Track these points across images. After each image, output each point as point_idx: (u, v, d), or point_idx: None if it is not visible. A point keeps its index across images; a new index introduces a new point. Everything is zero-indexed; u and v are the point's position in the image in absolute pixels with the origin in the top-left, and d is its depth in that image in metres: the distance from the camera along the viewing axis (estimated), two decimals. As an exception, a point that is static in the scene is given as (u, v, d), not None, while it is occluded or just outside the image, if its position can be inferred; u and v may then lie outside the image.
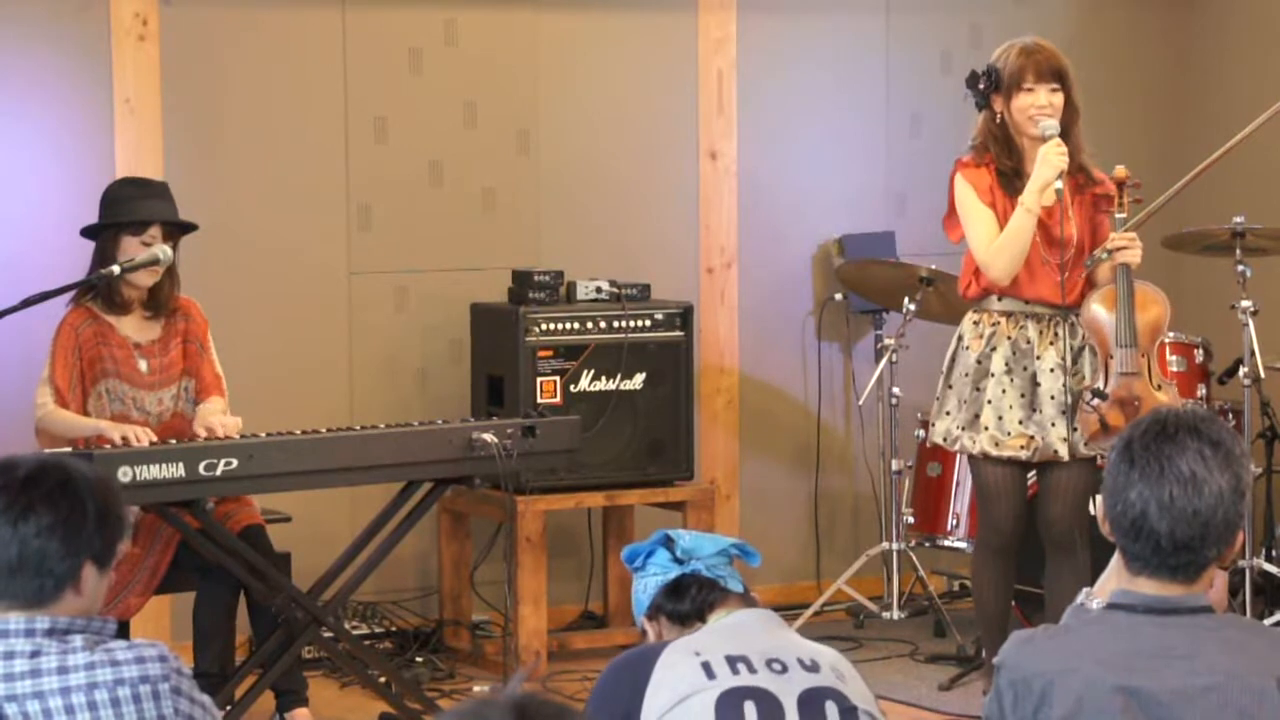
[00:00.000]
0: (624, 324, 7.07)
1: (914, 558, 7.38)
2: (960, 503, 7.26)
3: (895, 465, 7.41)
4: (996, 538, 6.05)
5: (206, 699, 3.20)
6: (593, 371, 7.03)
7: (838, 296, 7.84)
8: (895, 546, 7.38)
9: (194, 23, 6.96)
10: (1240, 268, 6.87)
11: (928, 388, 7.66)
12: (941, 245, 7.84)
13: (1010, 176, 5.93)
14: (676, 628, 3.47)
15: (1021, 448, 5.93)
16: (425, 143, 7.32)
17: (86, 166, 6.82)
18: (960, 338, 6.06)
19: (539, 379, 6.95)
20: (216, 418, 5.89)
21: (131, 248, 5.87)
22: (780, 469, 7.83)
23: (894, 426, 7.44)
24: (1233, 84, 8.25)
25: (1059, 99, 5.90)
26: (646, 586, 3.51)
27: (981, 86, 5.96)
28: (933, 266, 7.24)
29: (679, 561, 3.49)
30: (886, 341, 7.37)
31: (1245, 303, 6.84)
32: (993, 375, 5.96)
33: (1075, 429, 5.94)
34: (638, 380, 7.09)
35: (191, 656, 5.87)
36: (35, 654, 3.07)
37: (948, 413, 6.06)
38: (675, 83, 7.67)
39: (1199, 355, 7.15)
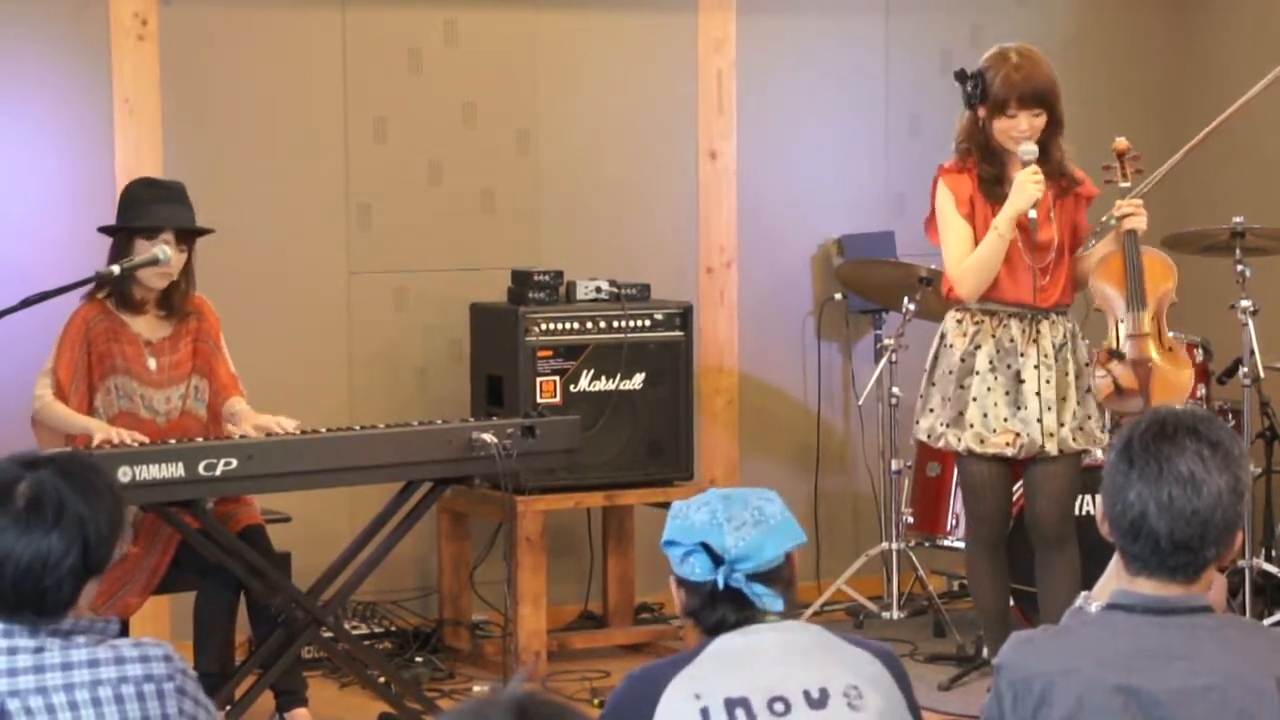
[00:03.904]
0: (624, 324, 7.07)
1: (913, 558, 7.38)
2: (959, 503, 7.25)
3: (895, 465, 7.41)
4: (986, 531, 6.10)
5: (209, 701, 3.21)
6: (592, 371, 7.03)
7: (837, 296, 7.84)
8: (895, 546, 7.39)
9: (193, 22, 6.96)
10: (1240, 268, 6.88)
11: (927, 388, 7.68)
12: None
13: (991, 183, 5.96)
14: (700, 631, 3.36)
15: (1007, 445, 5.96)
16: (425, 143, 7.33)
17: (86, 166, 6.82)
18: (943, 336, 6.10)
19: (538, 379, 6.95)
20: (266, 418, 5.87)
21: (144, 251, 5.85)
22: (780, 469, 7.82)
23: (893, 426, 7.44)
24: (1233, 84, 8.23)
25: (1041, 121, 5.91)
26: (683, 570, 3.27)
27: (969, 89, 5.96)
28: (932, 266, 7.23)
29: (719, 563, 3.25)
30: (886, 341, 7.37)
31: (1245, 303, 6.84)
32: (977, 373, 5.99)
33: (1063, 424, 5.96)
34: (637, 380, 7.09)
35: (192, 656, 5.87)
36: (39, 650, 3.08)
37: (931, 410, 6.10)
38: (675, 83, 7.66)
39: (1199, 355, 7.15)
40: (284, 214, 7.13)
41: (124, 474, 5.39)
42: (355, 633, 6.79)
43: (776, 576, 3.31)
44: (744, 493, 3.36)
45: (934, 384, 6.10)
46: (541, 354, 6.96)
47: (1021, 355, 5.96)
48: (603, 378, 7.04)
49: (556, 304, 7.03)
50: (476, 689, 6.71)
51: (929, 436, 6.12)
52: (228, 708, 5.78)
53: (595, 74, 7.59)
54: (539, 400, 6.89)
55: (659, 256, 7.61)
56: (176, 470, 5.53)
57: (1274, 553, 7.27)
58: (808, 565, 7.57)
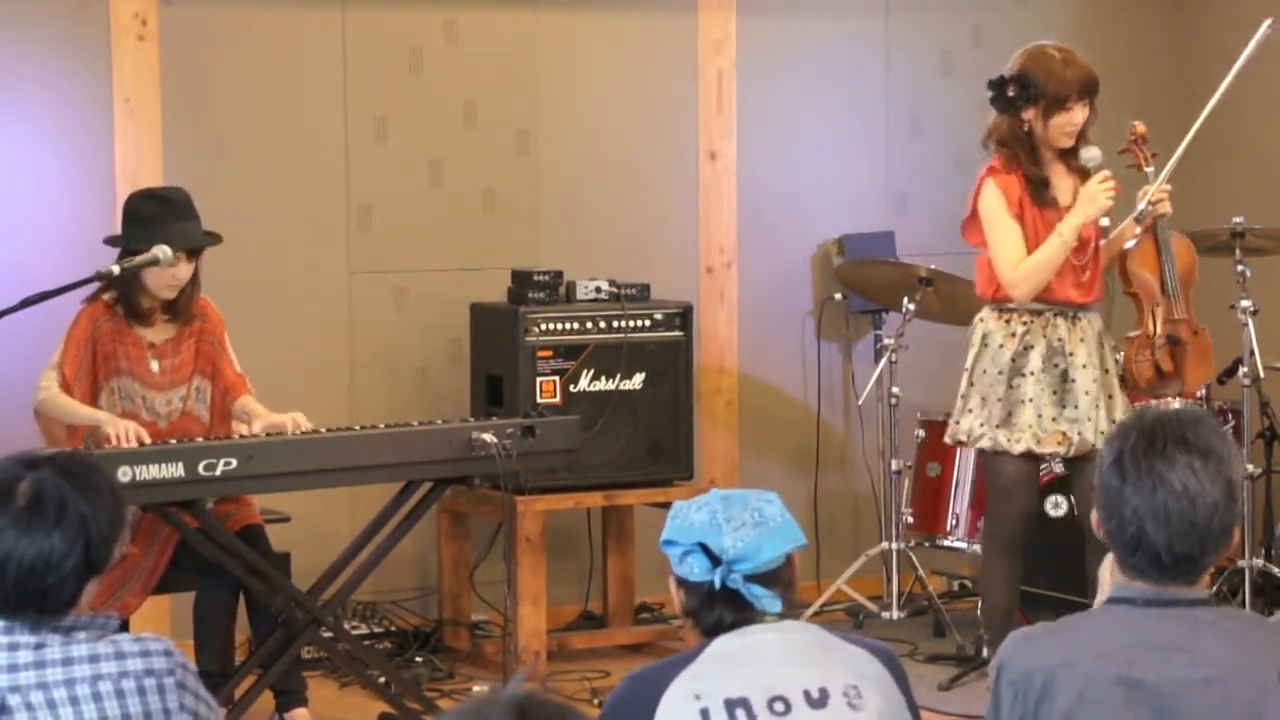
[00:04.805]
0: (623, 324, 7.07)
1: (913, 558, 7.38)
2: (960, 503, 7.26)
3: (895, 465, 7.41)
4: (1008, 532, 6.07)
5: (210, 696, 3.22)
6: (592, 371, 7.03)
7: (837, 296, 7.84)
8: (895, 546, 7.39)
9: (194, 23, 6.96)
10: (1240, 268, 6.88)
11: (927, 388, 7.68)
12: (941, 245, 7.85)
13: (1039, 185, 5.94)
14: (698, 631, 3.36)
15: (1059, 444, 5.95)
16: (425, 143, 7.33)
17: (86, 166, 6.82)
18: (985, 335, 6.04)
19: (538, 379, 6.95)
20: (279, 417, 5.85)
21: (153, 269, 5.82)
22: (780, 469, 7.82)
23: (893, 426, 7.44)
24: (1231, 84, 8.24)
25: (1088, 112, 5.93)
26: (682, 570, 3.28)
27: (1011, 94, 5.92)
28: (932, 266, 7.24)
29: (717, 563, 3.25)
30: (886, 341, 7.37)
31: (1245, 303, 6.85)
32: (1031, 374, 5.95)
33: (1113, 420, 5.98)
34: (637, 380, 7.09)
35: (192, 656, 5.87)
36: (40, 646, 3.08)
37: (970, 410, 6.05)
38: (675, 83, 7.67)
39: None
40: (284, 214, 7.13)
41: (124, 474, 5.39)
42: (355, 633, 6.79)
43: (775, 578, 3.31)
44: (744, 494, 3.36)
45: (973, 384, 6.05)
46: (541, 354, 6.96)
47: (1070, 354, 5.96)
48: (603, 378, 7.04)
49: (556, 304, 7.03)
50: (476, 689, 6.71)
51: (968, 437, 6.08)
52: (228, 708, 5.77)
53: (595, 74, 7.59)
54: (539, 400, 6.89)
55: (659, 256, 7.61)
56: (176, 470, 5.53)
57: (1274, 552, 7.27)
58: (808, 565, 7.56)
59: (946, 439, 6.36)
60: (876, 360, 7.54)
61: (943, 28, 8.09)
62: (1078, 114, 5.91)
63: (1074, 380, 5.97)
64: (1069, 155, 6.01)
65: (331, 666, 6.70)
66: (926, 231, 7.93)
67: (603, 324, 7.05)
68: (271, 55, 7.11)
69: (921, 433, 7.39)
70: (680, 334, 7.16)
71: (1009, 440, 5.98)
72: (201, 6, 6.98)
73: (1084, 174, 6.01)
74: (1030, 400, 5.97)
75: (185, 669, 3.15)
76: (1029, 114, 5.93)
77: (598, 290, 7.11)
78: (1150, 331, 6.25)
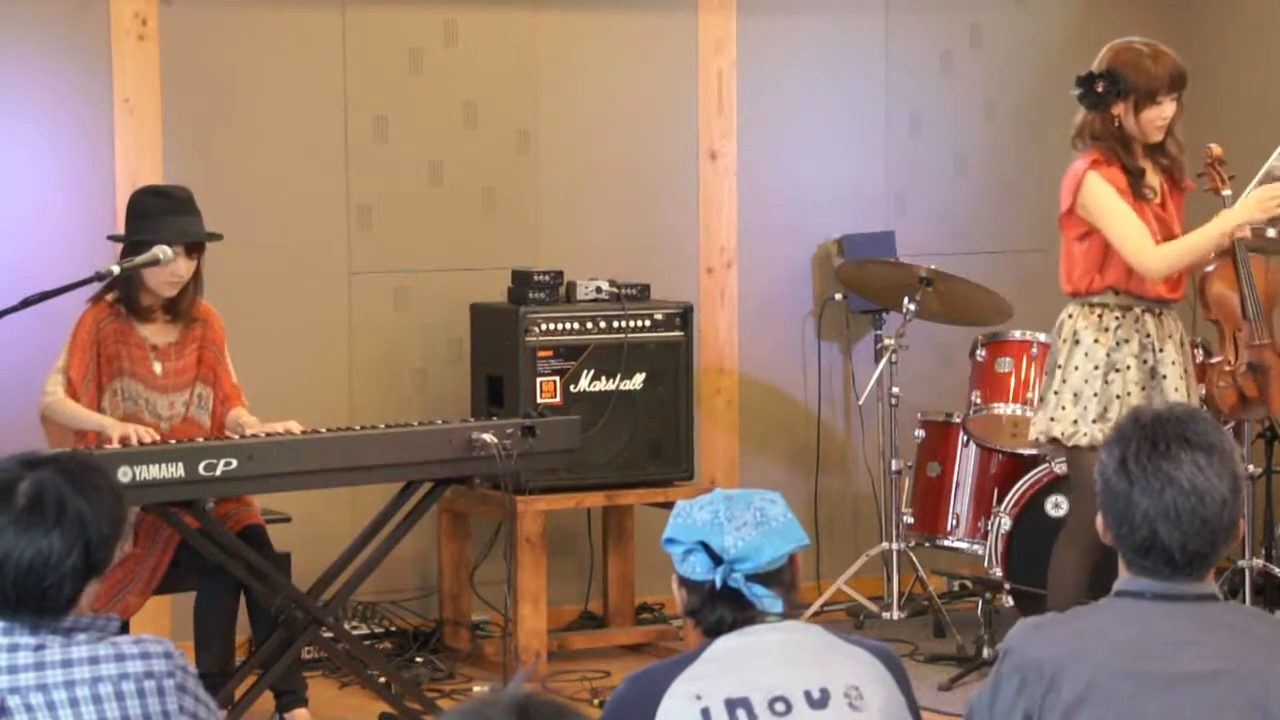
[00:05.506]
0: (624, 324, 7.07)
1: (914, 558, 7.38)
2: (960, 503, 7.27)
3: (895, 465, 7.42)
4: (1096, 538, 5.86)
5: (210, 698, 3.22)
6: (592, 371, 7.03)
7: (837, 296, 7.84)
8: (895, 546, 7.39)
9: (194, 22, 6.96)
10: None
11: (928, 388, 7.69)
12: (941, 245, 7.86)
13: (1138, 177, 5.89)
14: (700, 630, 3.36)
15: None
16: (425, 143, 7.33)
17: (86, 166, 6.82)
18: (1076, 332, 5.92)
19: (539, 379, 6.95)
20: (273, 426, 5.86)
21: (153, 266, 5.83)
22: (780, 469, 7.82)
23: (894, 426, 7.44)
24: (1233, 84, 8.25)
25: (1176, 106, 5.91)
26: (684, 569, 3.28)
27: (1100, 90, 5.89)
28: (932, 266, 7.24)
29: (719, 562, 3.25)
30: (886, 341, 7.37)
31: (1245, 303, 6.85)
32: (1127, 369, 5.86)
33: None
34: (637, 380, 7.09)
35: (192, 656, 5.87)
36: (40, 647, 3.08)
37: (1063, 408, 5.89)
38: (675, 83, 7.66)
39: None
40: (284, 214, 7.13)
41: (124, 474, 5.38)
42: (355, 633, 6.79)
43: (777, 578, 3.31)
44: (748, 494, 3.36)
45: (1065, 381, 5.91)
46: (542, 354, 6.96)
47: (1160, 350, 5.91)
48: (603, 378, 7.04)
49: (556, 304, 7.03)
50: (477, 689, 6.71)
51: (1063, 436, 5.89)
52: (228, 708, 5.77)
53: (595, 74, 7.59)
54: (539, 400, 6.89)
55: (659, 256, 7.61)
56: (176, 470, 5.52)
57: (1274, 553, 7.27)
58: (808, 565, 7.53)
59: (1034, 435, 6.06)
60: (876, 360, 7.54)
61: (942, 27, 8.09)
62: (1168, 107, 5.88)
63: (1164, 376, 5.89)
64: (1155, 151, 5.96)
65: (331, 666, 6.70)
66: (926, 231, 7.94)
67: (603, 324, 7.05)
68: (271, 55, 7.10)
69: (921, 433, 7.39)
70: (680, 334, 7.16)
71: (1102, 436, 5.85)
72: (201, 6, 6.98)
73: (1169, 171, 5.96)
74: (1128, 395, 5.87)
75: (185, 671, 3.15)
76: (1119, 109, 5.88)
77: (598, 290, 7.11)
78: (1231, 359, 6.22)
